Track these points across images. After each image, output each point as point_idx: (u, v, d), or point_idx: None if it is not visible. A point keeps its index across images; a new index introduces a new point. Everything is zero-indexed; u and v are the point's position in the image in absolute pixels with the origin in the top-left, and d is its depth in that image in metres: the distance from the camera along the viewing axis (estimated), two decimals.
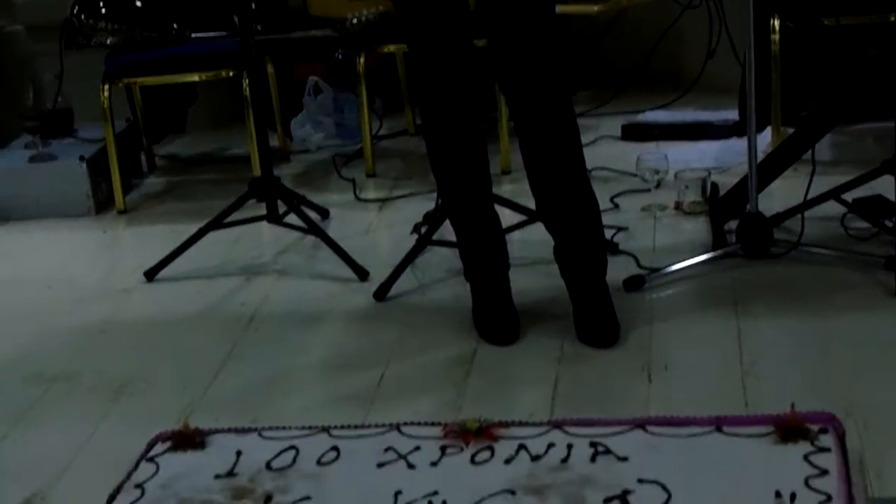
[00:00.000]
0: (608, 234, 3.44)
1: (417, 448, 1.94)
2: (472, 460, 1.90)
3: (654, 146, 4.40)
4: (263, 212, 3.78)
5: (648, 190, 3.92)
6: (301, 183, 4.43)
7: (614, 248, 3.51)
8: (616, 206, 3.91)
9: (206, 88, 5.14)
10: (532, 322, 3.12)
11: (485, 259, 3.17)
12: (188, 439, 2.02)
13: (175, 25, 4.34)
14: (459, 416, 2.02)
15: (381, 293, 3.39)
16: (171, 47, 4.39)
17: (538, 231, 3.27)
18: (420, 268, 3.54)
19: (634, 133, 4.63)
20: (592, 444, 1.89)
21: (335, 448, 1.96)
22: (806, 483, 1.72)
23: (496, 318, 3.10)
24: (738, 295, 3.19)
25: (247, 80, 4.21)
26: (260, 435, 2.03)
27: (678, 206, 3.84)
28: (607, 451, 1.88)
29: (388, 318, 3.30)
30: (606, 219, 3.29)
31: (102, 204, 4.42)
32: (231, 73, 4.39)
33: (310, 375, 3.03)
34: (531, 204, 3.24)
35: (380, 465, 1.91)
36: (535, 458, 1.88)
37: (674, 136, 4.55)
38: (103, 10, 4.25)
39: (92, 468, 2.62)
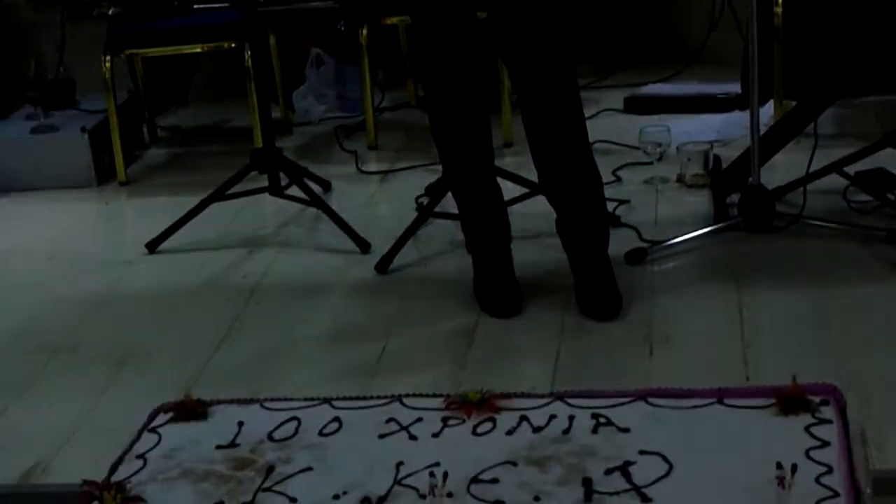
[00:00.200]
0: (610, 206, 3.43)
1: (419, 419, 1.95)
2: (474, 432, 1.91)
3: (657, 119, 4.39)
4: (265, 184, 3.78)
5: (651, 163, 3.92)
6: (303, 155, 4.43)
7: (616, 221, 3.51)
8: (618, 178, 3.91)
9: (208, 60, 5.12)
10: (534, 295, 3.12)
11: (487, 231, 3.17)
12: (190, 410, 2.03)
13: None
14: (461, 388, 2.03)
15: (382, 265, 3.39)
16: (173, 18, 4.38)
17: (540, 204, 3.26)
18: (422, 240, 3.54)
19: (637, 106, 4.62)
20: (594, 416, 1.90)
21: (337, 419, 1.97)
22: (807, 454, 1.73)
23: (498, 290, 3.10)
24: (739, 268, 3.19)
25: (249, 52, 4.20)
26: (262, 406, 2.04)
27: (680, 178, 3.83)
28: (609, 423, 1.88)
29: (390, 290, 3.30)
30: (608, 192, 3.28)
31: (104, 175, 4.41)
32: (233, 45, 4.37)
33: (311, 348, 3.03)
34: (533, 177, 3.24)
35: (381, 437, 1.92)
36: (536, 430, 1.89)
37: (676, 108, 4.54)
38: None
39: (94, 439, 2.63)
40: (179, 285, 3.47)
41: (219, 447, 1.93)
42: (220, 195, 3.76)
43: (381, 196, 4.08)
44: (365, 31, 4.40)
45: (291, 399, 2.05)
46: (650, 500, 1.69)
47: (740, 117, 4.26)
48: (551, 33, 2.90)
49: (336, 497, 1.76)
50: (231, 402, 2.07)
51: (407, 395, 2.02)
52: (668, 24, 5.07)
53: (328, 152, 4.52)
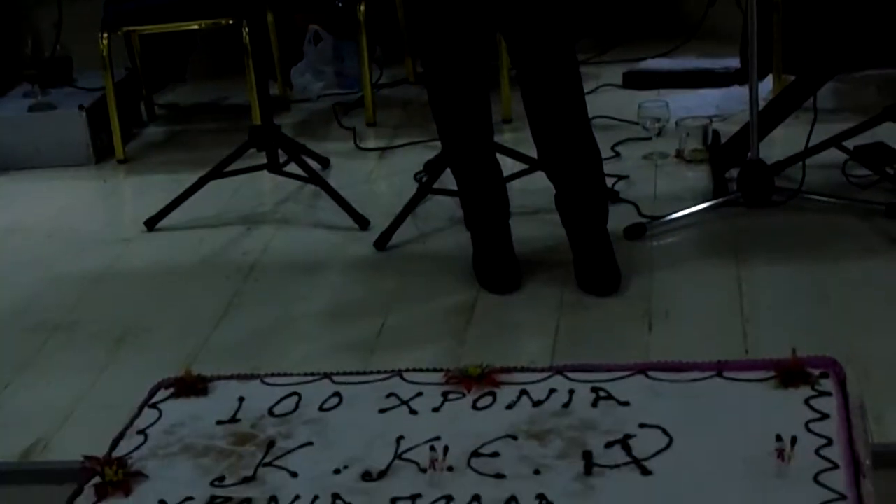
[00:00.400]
0: (609, 182, 3.43)
1: (419, 394, 1.95)
2: (474, 406, 1.91)
3: (656, 94, 4.39)
4: (264, 161, 3.77)
5: (650, 138, 3.91)
6: (301, 132, 4.42)
7: (615, 197, 3.51)
8: (617, 154, 3.90)
9: (206, 37, 5.10)
10: (533, 270, 3.12)
11: (486, 207, 3.17)
12: (190, 386, 2.03)
13: None
14: (460, 364, 2.02)
15: (381, 242, 3.39)
16: None
17: (539, 179, 3.26)
18: (421, 217, 3.54)
19: (636, 81, 4.61)
20: (594, 390, 1.90)
21: (337, 394, 1.97)
22: (807, 427, 1.73)
23: (497, 266, 3.10)
24: (738, 242, 3.19)
25: (247, 29, 4.18)
26: (262, 381, 2.04)
27: (679, 154, 3.83)
28: (609, 397, 1.88)
29: (389, 267, 3.30)
30: (607, 167, 3.28)
31: (102, 153, 4.40)
32: (231, 22, 4.36)
33: (310, 324, 3.04)
34: (532, 152, 3.24)
35: (382, 411, 1.92)
36: (536, 404, 1.89)
37: (675, 83, 4.53)
38: None
39: (94, 416, 2.63)
40: (178, 263, 3.47)
41: (219, 422, 1.93)
42: (218, 172, 3.76)
43: (380, 173, 4.07)
44: (363, 8, 4.39)
45: (291, 374, 2.05)
46: (650, 472, 1.70)
47: (739, 92, 4.25)
48: (551, 8, 2.89)
49: (337, 471, 1.77)
50: (231, 377, 2.07)
51: (407, 370, 2.02)
52: None
53: (326, 129, 4.51)
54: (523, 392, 1.92)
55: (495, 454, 1.77)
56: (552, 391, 1.92)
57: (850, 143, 3.46)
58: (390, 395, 1.95)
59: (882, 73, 4.09)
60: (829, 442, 1.70)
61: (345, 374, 2.03)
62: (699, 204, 3.37)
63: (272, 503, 1.71)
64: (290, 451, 1.83)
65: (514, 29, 2.94)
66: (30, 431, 2.60)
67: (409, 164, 3.98)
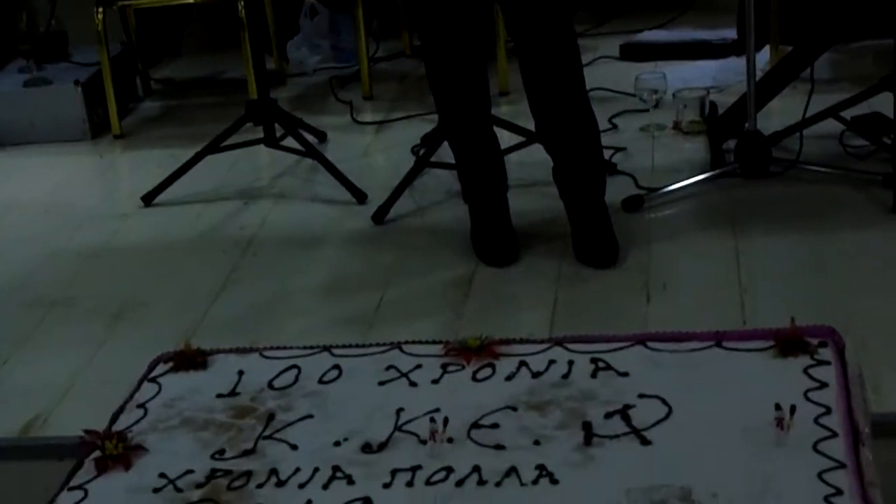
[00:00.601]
0: (607, 154, 3.43)
1: (419, 366, 1.95)
2: (474, 377, 1.91)
3: (653, 66, 4.37)
4: (260, 135, 3.76)
5: (647, 110, 3.90)
6: (297, 106, 4.41)
7: (613, 169, 3.50)
8: (614, 126, 3.90)
9: (201, 11, 5.08)
10: (531, 243, 3.12)
11: (483, 181, 3.17)
12: (190, 360, 2.04)
13: None
14: (459, 337, 2.02)
15: (379, 216, 3.39)
16: None
17: (537, 152, 3.25)
18: (418, 190, 3.53)
19: (633, 53, 4.60)
20: (593, 361, 1.91)
21: (337, 367, 1.98)
22: (805, 396, 1.74)
23: (495, 239, 3.10)
24: (736, 213, 3.19)
25: (242, 2, 4.16)
26: (261, 355, 2.05)
27: (677, 125, 3.83)
28: (608, 367, 1.89)
29: (387, 240, 3.29)
30: (605, 139, 3.28)
31: (98, 128, 4.39)
32: None
33: (308, 298, 3.03)
34: (529, 125, 3.23)
35: (381, 384, 1.92)
36: (535, 375, 1.90)
37: (672, 55, 4.52)
38: None
39: (93, 391, 2.63)
40: (175, 238, 3.46)
41: (219, 396, 1.94)
42: (215, 147, 3.75)
43: (377, 146, 4.07)
44: None
45: (291, 348, 2.05)
46: (650, 442, 1.70)
47: (736, 63, 4.24)
48: None
49: (337, 444, 1.77)
50: (230, 351, 2.07)
51: (406, 343, 2.02)
52: None
53: (323, 103, 4.50)
54: (523, 363, 1.92)
55: (495, 425, 1.78)
56: (551, 362, 1.92)
57: (847, 114, 3.45)
58: (390, 367, 1.96)
59: (879, 43, 4.08)
60: (828, 410, 1.70)
61: (344, 346, 2.04)
62: (696, 175, 3.37)
63: (272, 476, 1.72)
64: (290, 424, 1.84)
65: (511, 1, 2.93)
66: (28, 407, 2.61)
67: (406, 137, 3.97)
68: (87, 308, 3.07)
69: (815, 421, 1.68)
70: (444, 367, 1.94)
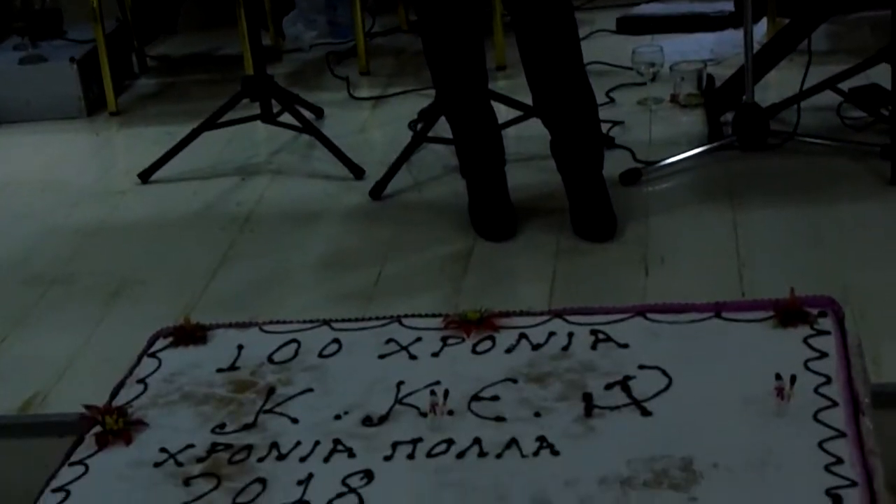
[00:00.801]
0: (604, 128, 3.42)
1: (419, 339, 1.95)
2: (474, 350, 1.92)
3: (650, 39, 4.37)
4: (257, 111, 3.75)
5: (644, 83, 3.89)
6: (294, 82, 4.39)
7: (610, 142, 3.50)
8: (612, 100, 3.89)
9: None
10: (529, 217, 3.11)
11: (481, 155, 3.16)
12: (189, 335, 2.04)
13: None
14: (458, 311, 2.03)
15: (376, 191, 3.38)
16: None
17: (534, 126, 3.25)
18: (416, 165, 3.53)
19: (629, 26, 4.59)
20: (593, 332, 1.91)
21: (336, 340, 1.98)
22: (805, 365, 1.74)
23: (493, 214, 3.09)
24: (734, 186, 3.19)
25: None
26: (261, 329, 2.05)
27: (674, 98, 3.82)
28: (608, 339, 1.89)
29: (385, 216, 3.29)
30: (602, 113, 3.27)
31: (94, 106, 4.38)
32: None
33: (306, 274, 3.03)
34: (527, 99, 3.22)
35: (381, 357, 1.93)
36: (535, 347, 1.90)
37: (669, 28, 4.51)
38: None
39: (92, 368, 2.63)
40: (173, 215, 3.46)
41: (219, 370, 1.94)
42: (211, 123, 3.74)
43: (374, 122, 4.06)
44: None
45: (290, 322, 2.05)
46: (650, 413, 1.70)
47: (734, 35, 4.24)
48: None
49: (337, 417, 1.77)
50: (230, 326, 2.07)
51: (406, 316, 2.02)
52: None
53: (319, 79, 4.49)
54: (522, 336, 1.92)
55: (495, 398, 1.78)
56: (551, 334, 1.92)
57: (844, 86, 3.45)
58: (389, 340, 1.96)
59: (876, 15, 4.07)
60: (828, 380, 1.70)
61: (344, 320, 2.04)
62: (694, 148, 3.36)
63: (273, 449, 1.72)
64: (290, 398, 1.84)
65: None
66: (28, 384, 2.61)
67: (403, 112, 3.97)
68: (85, 285, 3.07)
69: (816, 390, 1.68)
70: (443, 339, 1.94)
